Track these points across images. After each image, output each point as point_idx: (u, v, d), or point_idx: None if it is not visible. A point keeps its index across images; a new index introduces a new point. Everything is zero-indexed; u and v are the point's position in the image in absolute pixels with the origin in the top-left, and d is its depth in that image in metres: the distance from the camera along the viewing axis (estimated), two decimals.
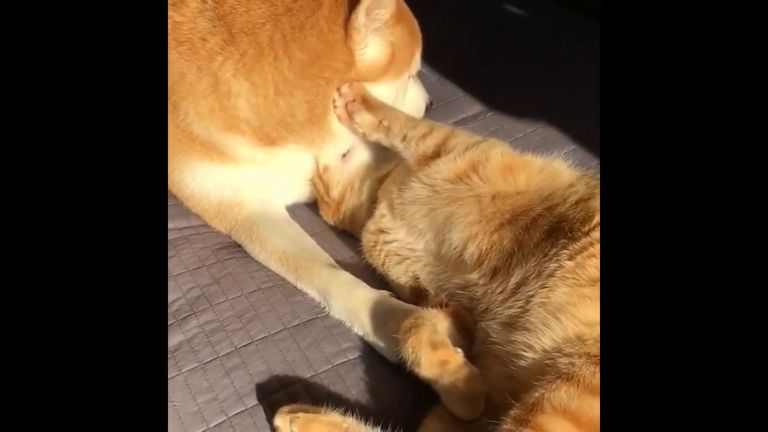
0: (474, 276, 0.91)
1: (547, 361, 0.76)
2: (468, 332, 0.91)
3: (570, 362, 0.74)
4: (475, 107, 1.39)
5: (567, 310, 0.78)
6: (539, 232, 0.87)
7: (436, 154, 0.98)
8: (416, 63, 1.10)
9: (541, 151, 1.28)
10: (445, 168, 0.96)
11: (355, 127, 1.03)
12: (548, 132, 1.33)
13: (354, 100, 1.01)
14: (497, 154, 0.96)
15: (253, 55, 0.93)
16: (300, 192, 1.13)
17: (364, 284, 0.98)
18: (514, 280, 0.86)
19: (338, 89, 0.99)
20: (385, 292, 0.97)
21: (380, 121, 1.01)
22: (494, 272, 0.89)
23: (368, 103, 1.01)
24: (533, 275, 0.84)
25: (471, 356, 0.88)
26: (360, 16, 0.92)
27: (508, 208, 0.91)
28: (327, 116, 0.98)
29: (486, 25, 1.68)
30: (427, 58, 1.16)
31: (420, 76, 1.18)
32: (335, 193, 1.07)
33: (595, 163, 1.22)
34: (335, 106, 1.00)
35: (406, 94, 1.12)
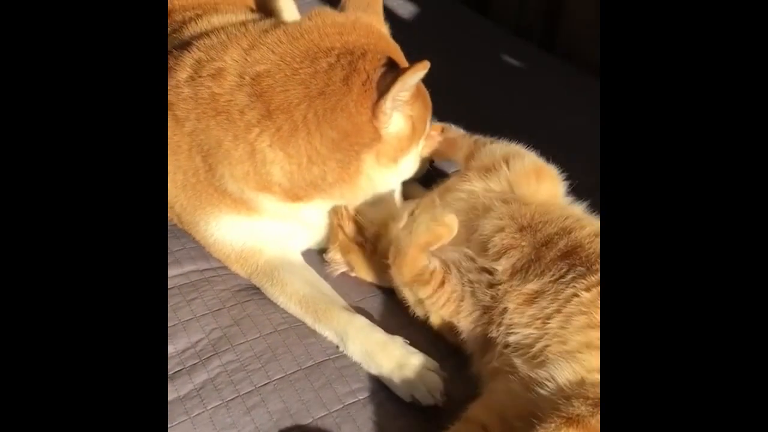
0: (496, 266, 1.01)
1: (561, 399, 0.85)
2: None
3: (576, 405, 0.82)
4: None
5: (580, 354, 0.88)
6: (555, 250, 0.99)
7: (479, 148, 1.18)
8: (428, 128, 1.19)
9: None
10: (484, 155, 1.15)
11: None
12: None
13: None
14: (529, 156, 1.14)
15: (288, 130, 1.02)
16: (314, 239, 1.22)
17: (379, 329, 1.08)
18: (531, 287, 0.97)
19: None
20: (398, 338, 1.07)
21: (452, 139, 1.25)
22: (513, 271, 1.00)
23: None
24: (551, 292, 0.95)
25: (483, 374, 1.01)
26: (388, 102, 1.02)
27: (529, 213, 1.04)
28: (359, 176, 1.08)
29: (482, 74, 1.77)
30: None
31: None
32: (370, 232, 1.16)
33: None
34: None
35: None
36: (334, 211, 1.17)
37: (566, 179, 1.42)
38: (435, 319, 1.09)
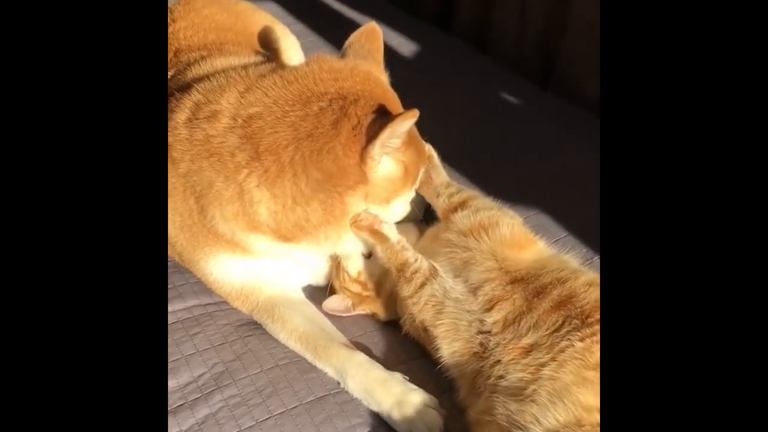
0: (486, 318, 1.01)
1: None
2: None
3: None
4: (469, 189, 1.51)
5: (571, 392, 0.88)
6: (549, 300, 0.98)
7: (456, 209, 1.16)
8: (421, 174, 1.21)
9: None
10: (459, 221, 1.13)
11: None
12: (541, 219, 1.44)
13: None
14: (507, 225, 1.11)
15: (275, 171, 1.04)
16: (314, 277, 1.24)
17: (378, 365, 1.09)
18: (526, 341, 0.96)
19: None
20: (397, 374, 1.08)
21: (428, 173, 1.24)
22: (505, 323, 1.00)
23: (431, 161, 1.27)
24: (546, 345, 0.95)
25: (472, 423, 1.00)
26: (376, 148, 1.03)
27: (521, 267, 1.05)
28: (344, 217, 1.09)
29: (480, 111, 1.81)
30: None
31: None
32: (372, 284, 1.19)
33: (584, 250, 1.34)
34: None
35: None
36: (336, 277, 1.20)
37: (564, 217, 1.46)
38: (413, 321, 1.12)
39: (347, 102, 1.07)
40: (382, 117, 1.06)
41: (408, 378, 1.09)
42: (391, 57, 1.95)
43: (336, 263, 1.21)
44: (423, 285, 1.07)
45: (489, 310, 1.02)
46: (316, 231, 1.09)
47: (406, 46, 2.05)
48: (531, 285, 1.02)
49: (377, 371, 1.07)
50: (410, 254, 1.10)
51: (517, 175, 1.56)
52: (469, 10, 2.31)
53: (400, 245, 1.11)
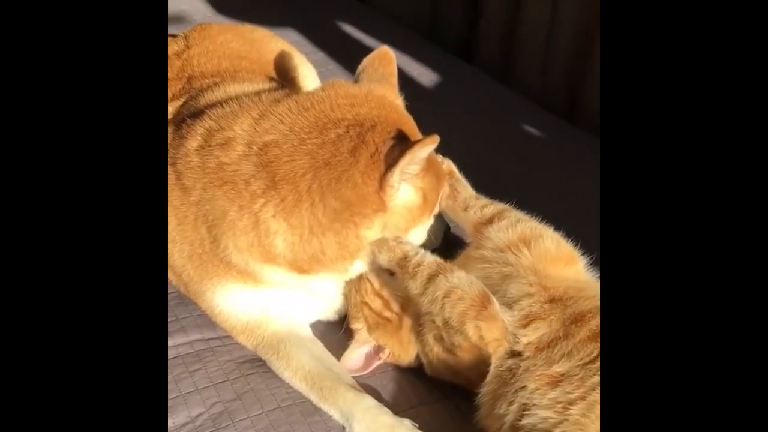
0: (521, 336, 0.95)
1: None
2: None
3: None
4: None
5: None
6: (586, 330, 0.93)
7: (490, 221, 1.11)
8: (441, 201, 1.17)
9: None
10: (495, 235, 1.08)
11: None
12: None
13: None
14: (551, 238, 1.07)
15: (292, 201, 1.01)
16: (325, 310, 1.19)
17: (387, 410, 1.03)
18: (558, 369, 0.91)
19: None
20: (407, 421, 1.02)
21: (453, 187, 1.19)
22: (539, 346, 0.94)
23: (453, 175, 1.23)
24: (578, 377, 0.89)
25: None
26: (395, 174, 1.00)
27: (560, 285, 0.99)
28: (358, 252, 1.05)
29: (503, 143, 1.75)
30: None
31: None
32: (396, 306, 1.11)
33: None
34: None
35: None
36: (358, 288, 1.13)
37: (587, 253, 1.39)
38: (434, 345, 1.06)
39: (364, 128, 1.03)
40: (401, 143, 1.03)
41: (418, 425, 1.02)
42: (410, 86, 1.94)
43: (359, 275, 1.14)
44: (432, 277, 0.99)
45: (525, 326, 0.96)
46: (332, 264, 1.05)
47: (426, 76, 2.01)
48: (569, 309, 0.96)
49: (386, 417, 1.01)
50: (409, 247, 1.04)
51: (540, 209, 1.49)
52: (493, 41, 2.28)
53: (396, 241, 1.05)
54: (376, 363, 1.13)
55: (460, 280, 0.98)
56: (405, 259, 1.03)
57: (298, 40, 2.14)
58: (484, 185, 1.57)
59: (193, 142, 1.08)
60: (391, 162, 1.01)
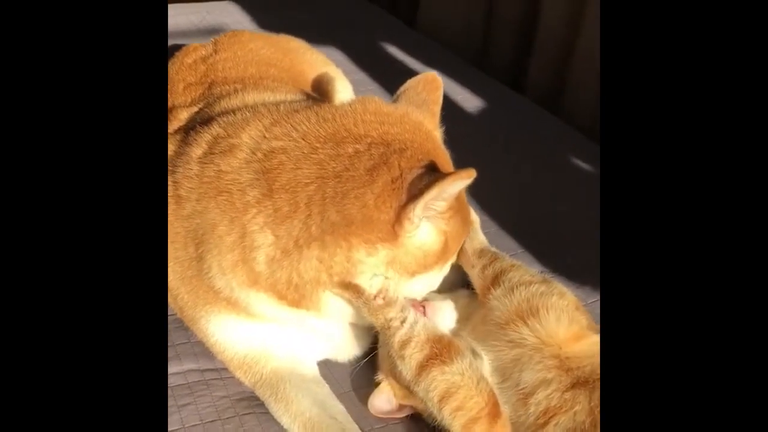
0: None
1: None
2: None
3: None
4: (531, 266, 1.29)
5: None
6: None
7: (492, 286, 0.92)
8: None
9: None
10: (496, 306, 0.90)
11: None
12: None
13: None
14: (554, 309, 0.87)
15: (286, 211, 0.88)
16: (335, 350, 1.05)
17: None
18: None
19: None
20: None
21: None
22: None
23: None
24: None
25: None
26: (418, 208, 0.87)
27: (587, 365, 0.81)
28: (340, 276, 0.89)
29: (548, 175, 1.61)
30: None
31: None
32: None
33: None
34: None
35: None
36: (383, 360, 0.96)
37: None
38: None
39: (391, 150, 0.91)
40: (431, 174, 0.89)
41: None
42: (454, 111, 1.82)
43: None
44: (424, 368, 0.80)
45: (544, 425, 0.79)
46: (306, 291, 0.90)
47: (470, 101, 1.89)
48: (596, 392, 0.78)
49: None
50: (395, 311, 0.84)
51: (583, 245, 1.34)
52: (542, 71, 2.16)
53: (382, 297, 0.86)
54: (409, 410, 0.96)
55: (464, 376, 0.79)
56: (388, 329, 0.84)
57: (340, 60, 2.05)
58: (528, 216, 1.44)
59: (197, 150, 0.97)
60: (417, 193, 0.86)
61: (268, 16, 2.39)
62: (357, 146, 0.91)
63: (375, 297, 0.89)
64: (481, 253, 1.00)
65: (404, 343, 0.82)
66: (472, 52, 2.42)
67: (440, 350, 0.81)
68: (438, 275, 0.98)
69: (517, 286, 0.90)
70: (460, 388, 0.79)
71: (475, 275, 0.98)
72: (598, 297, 1.23)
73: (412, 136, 0.94)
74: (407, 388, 0.89)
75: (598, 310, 1.20)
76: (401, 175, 0.89)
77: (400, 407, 0.96)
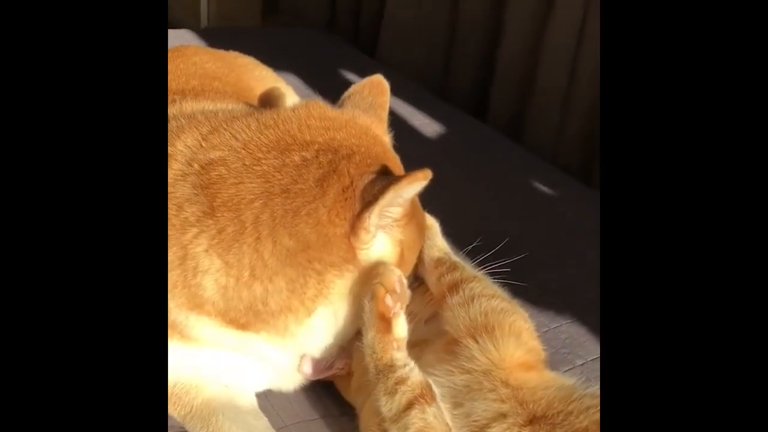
0: None
1: None
2: None
3: None
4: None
5: None
6: None
7: (448, 294, 0.87)
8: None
9: (565, 351, 1.10)
10: (449, 318, 0.84)
11: None
12: (574, 330, 1.15)
13: None
14: (509, 330, 0.81)
15: (232, 233, 0.81)
16: (279, 379, 0.95)
17: None
18: None
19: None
20: None
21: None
22: None
23: None
24: None
25: None
26: (373, 216, 0.80)
27: (541, 397, 0.75)
28: (314, 305, 0.83)
29: (513, 200, 1.56)
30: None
31: None
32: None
33: None
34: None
35: None
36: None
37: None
38: None
39: (338, 156, 0.84)
40: (383, 178, 0.83)
41: None
42: (412, 136, 1.77)
43: None
44: (411, 406, 0.77)
45: None
46: (274, 319, 0.83)
47: (430, 127, 1.84)
48: (559, 428, 0.72)
49: None
50: (401, 356, 0.80)
51: (545, 273, 1.28)
52: (505, 102, 2.15)
53: (398, 343, 0.81)
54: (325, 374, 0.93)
55: (436, 419, 0.75)
56: (390, 367, 0.79)
57: (298, 86, 1.99)
58: (489, 240, 1.37)
59: None
60: (370, 199, 0.80)
61: (224, 44, 2.34)
62: (304, 154, 0.84)
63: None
64: (439, 261, 0.93)
65: (402, 381, 0.78)
66: (434, 85, 2.40)
67: (425, 392, 0.78)
68: None
69: (477, 297, 0.84)
70: (433, 429, 0.75)
71: (433, 282, 0.92)
72: (562, 322, 1.16)
73: (359, 141, 0.88)
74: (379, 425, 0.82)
75: (561, 335, 1.14)
76: (352, 182, 0.83)
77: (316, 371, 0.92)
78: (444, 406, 0.78)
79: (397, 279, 0.81)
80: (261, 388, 0.96)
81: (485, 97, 2.24)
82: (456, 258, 0.96)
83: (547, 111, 2.01)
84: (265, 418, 0.91)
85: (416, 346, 0.86)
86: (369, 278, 0.84)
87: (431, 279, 0.93)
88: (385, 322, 0.80)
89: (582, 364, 1.06)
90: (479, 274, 0.93)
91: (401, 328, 0.81)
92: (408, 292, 0.84)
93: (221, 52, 1.39)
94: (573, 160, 1.95)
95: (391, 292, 0.80)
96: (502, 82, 2.16)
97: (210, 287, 0.81)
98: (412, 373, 0.79)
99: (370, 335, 0.80)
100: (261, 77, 1.35)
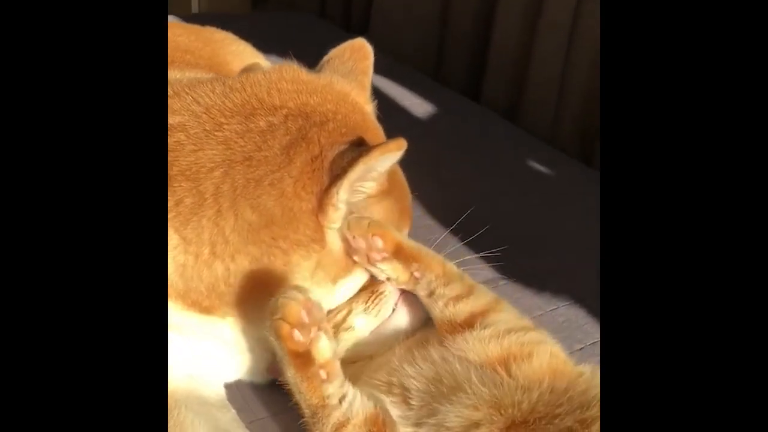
0: None
1: None
2: None
3: None
4: (483, 273, 1.15)
5: None
6: None
7: (468, 324, 0.76)
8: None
9: (562, 336, 1.03)
10: (473, 348, 0.74)
11: (376, 272, 0.81)
12: (572, 313, 1.08)
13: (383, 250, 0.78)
14: (545, 353, 0.73)
15: (190, 205, 0.73)
16: (249, 369, 0.88)
17: None
18: None
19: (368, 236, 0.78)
20: None
21: (412, 273, 0.79)
22: None
23: (402, 254, 0.79)
24: None
25: None
26: (342, 191, 0.73)
27: (528, 401, 0.68)
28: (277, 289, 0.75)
29: (509, 180, 1.48)
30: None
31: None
32: None
33: None
34: (355, 250, 0.78)
35: None
36: None
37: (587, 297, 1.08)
38: None
39: (309, 123, 0.77)
40: (354, 150, 0.75)
41: None
42: (404, 115, 1.69)
43: None
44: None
45: None
46: (240, 303, 0.76)
47: (422, 107, 1.77)
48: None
49: None
50: (333, 388, 0.69)
51: (540, 255, 1.21)
52: (501, 85, 2.07)
53: (326, 370, 0.69)
54: None
55: None
56: (324, 408, 0.69)
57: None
58: (485, 224, 1.30)
59: None
60: (338, 172, 0.73)
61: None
62: (270, 119, 0.77)
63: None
64: (448, 278, 0.80)
65: (341, 426, 0.69)
66: (427, 72, 2.32)
67: (375, 429, 0.69)
68: (361, 279, 0.83)
69: (510, 331, 0.74)
70: None
71: (439, 307, 0.78)
72: (559, 305, 1.09)
73: (336, 107, 0.80)
74: None
75: (559, 318, 1.06)
76: (321, 152, 0.75)
77: None
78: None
79: (303, 306, 0.68)
80: (230, 379, 0.88)
81: (479, 82, 2.16)
82: (470, 280, 0.83)
83: (544, 95, 1.93)
84: (233, 411, 0.83)
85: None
86: (333, 265, 0.76)
87: (438, 304, 0.79)
88: (302, 357, 0.69)
89: (581, 349, 0.99)
90: (498, 298, 0.81)
91: (324, 350, 0.69)
92: (324, 308, 0.72)
93: (196, 27, 1.31)
94: (571, 145, 1.88)
95: (299, 325, 0.67)
96: (497, 67, 2.08)
97: (168, 266, 0.74)
98: (353, 408, 0.69)
99: (289, 373, 0.70)
100: (238, 52, 1.27)
